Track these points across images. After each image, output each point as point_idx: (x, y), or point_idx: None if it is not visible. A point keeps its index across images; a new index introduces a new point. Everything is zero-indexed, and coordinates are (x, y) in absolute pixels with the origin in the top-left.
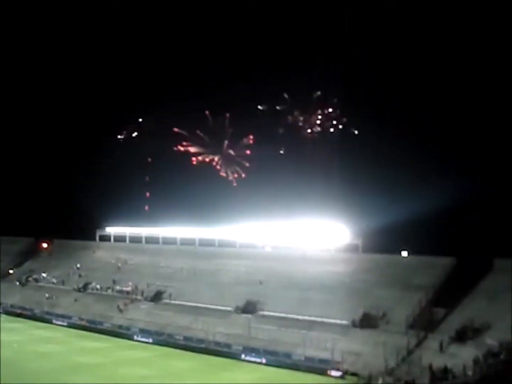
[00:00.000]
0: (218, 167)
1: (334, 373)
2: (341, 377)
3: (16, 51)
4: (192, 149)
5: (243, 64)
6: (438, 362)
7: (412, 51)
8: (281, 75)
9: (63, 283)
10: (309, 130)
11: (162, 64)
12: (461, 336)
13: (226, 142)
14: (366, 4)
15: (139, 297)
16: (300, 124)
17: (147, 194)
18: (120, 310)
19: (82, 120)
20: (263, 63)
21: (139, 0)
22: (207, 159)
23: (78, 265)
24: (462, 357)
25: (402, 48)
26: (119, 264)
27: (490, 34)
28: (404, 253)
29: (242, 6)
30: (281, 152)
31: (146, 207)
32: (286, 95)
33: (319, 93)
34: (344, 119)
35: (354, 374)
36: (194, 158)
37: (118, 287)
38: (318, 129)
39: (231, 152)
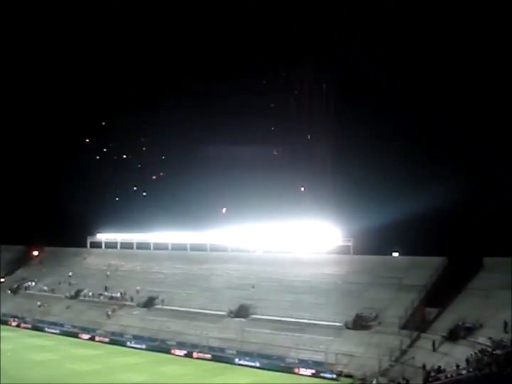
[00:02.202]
0: None
1: (328, 375)
2: (335, 379)
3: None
4: None
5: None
6: (431, 361)
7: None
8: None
9: (54, 290)
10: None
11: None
12: (454, 335)
13: None
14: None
15: (129, 303)
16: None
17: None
18: (108, 316)
19: (73, 127)
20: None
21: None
22: None
23: (70, 273)
24: (455, 356)
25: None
26: (108, 272)
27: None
28: (395, 254)
29: None
30: (275, 153)
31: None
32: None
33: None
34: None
35: (348, 375)
36: None
37: (109, 294)
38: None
39: None
